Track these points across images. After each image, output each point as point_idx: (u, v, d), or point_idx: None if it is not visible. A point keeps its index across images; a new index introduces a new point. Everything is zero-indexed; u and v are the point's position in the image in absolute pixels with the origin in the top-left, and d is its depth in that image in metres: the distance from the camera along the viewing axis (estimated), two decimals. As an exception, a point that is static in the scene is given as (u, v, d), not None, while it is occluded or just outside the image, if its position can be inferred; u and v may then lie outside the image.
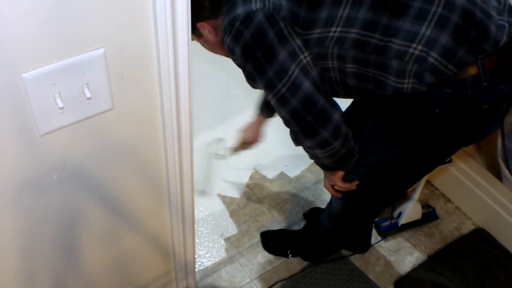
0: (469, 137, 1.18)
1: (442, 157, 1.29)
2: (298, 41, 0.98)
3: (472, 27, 1.00)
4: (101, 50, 0.83)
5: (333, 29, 0.98)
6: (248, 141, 1.72)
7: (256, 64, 1.02)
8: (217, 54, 1.28)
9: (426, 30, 0.98)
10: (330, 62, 1.03)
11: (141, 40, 0.87)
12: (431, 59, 0.99)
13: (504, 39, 1.03)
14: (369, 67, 1.02)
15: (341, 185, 1.36)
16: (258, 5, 0.96)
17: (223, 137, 2.27)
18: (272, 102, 1.06)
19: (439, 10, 0.98)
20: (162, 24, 0.85)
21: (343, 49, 1.00)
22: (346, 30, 0.98)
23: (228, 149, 2.04)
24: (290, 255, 1.81)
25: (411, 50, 0.98)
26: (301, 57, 0.99)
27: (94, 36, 0.80)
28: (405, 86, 1.02)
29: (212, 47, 1.23)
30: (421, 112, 1.10)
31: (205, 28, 1.12)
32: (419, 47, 0.98)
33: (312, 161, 2.13)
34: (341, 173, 1.33)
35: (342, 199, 1.49)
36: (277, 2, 0.96)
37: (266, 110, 1.58)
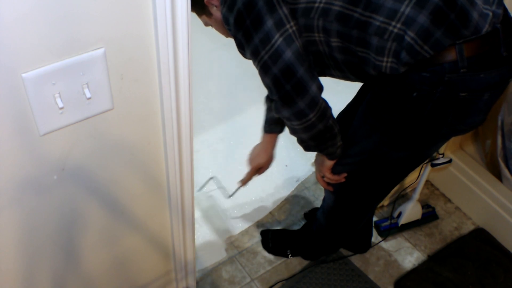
0: (450, 127, 1.17)
1: (424, 148, 1.28)
2: (285, 10, 1.00)
3: (452, 11, 1.00)
4: (101, 50, 0.83)
5: (318, 3, 1.01)
6: (261, 167, 1.63)
7: (245, 32, 1.04)
8: (227, 37, 1.29)
9: (405, 8, 0.99)
10: (316, 34, 1.05)
11: (141, 40, 0.87)
12: (408, 38, 1.00)
13: (486, 27, 1.03)
14: (351, 43, 1.04)
15: (330, 177, 1.38)
16: None
17: (223, 137, 2.26)
18: (258, 70, 1.10)
19: None
20: (162, 24, 0.85)
21: (327, 21, 1.02)
22: (331, 2, 1.00)
23: (223, 189, 2.01)
24: (290, 255, 1.81)
25: (390, 28, 1.00)
26: (287, 26, 1.02)
27: (94, 36, 0.81)
28: (384, 64, 1.03)
29: (221, 27, 1.24)
30: (400, 96, 1.12)
31: (213, 4, 1.15)
32: (398, 25, 0.99)
33: (312, 161, 2.15)
34: (329, 164, 1.36)
35: (333, 192, 1.50)
36: None
37: (276, 124, 1.49)
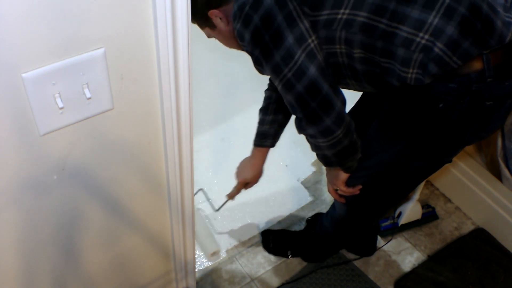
0: (472, 135, 1.17)
1: (445, 155, 1.27)
2: (306, 23, 0.96)
3: (478, 20, 0.99)
4: (101, 50, 0.83)
5: (342, 11, 0.96)
6: (248, 182, 1.60)
7: (264, 49, 1.00)
8: (232, 48, 1.25)
9: (433, 19, 0.96)
10: (337, 46, 1.02)
11: (141, 40, 0.87)
12: (436, 49, 0.98)
13: (509, 36, 1.03)
14: (375, 54, 1.00)
15: (344, 190, 1.34)
16: None
17: (223, 137, 2.26)
18: (279, 88, 1.05)
19: (447, 0, 0.98)
20: (162, 24, 0.85)
21: (350, 32, 0.98)
22: (355, 13, 0.96)
23: (211, 202, 1.99)
24: (290, 256, 1.81)
25: (418, 39, 0.97)
26: (309, 41, 0.98)
27: (94, 36, 0.81)
28: (409, 76, 1.00)
29: (226, 39, 1.19)
30: (424, 107, 1.09)
31: (217, 16, 1.11)
32: (426, 36, 0.97)
33: (312, 161, 2.14)
34: (344, 177, 1.32)
35: (345, 204, 1.47)
36: None
37: (267, 138, 1.44)
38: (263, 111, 1.44)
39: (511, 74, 1.07)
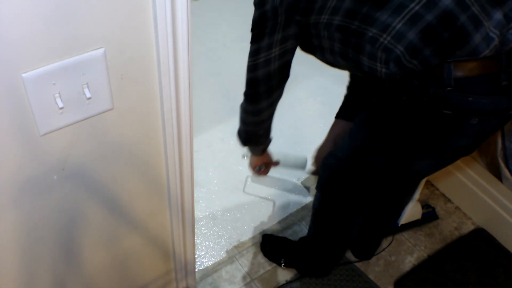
0: (432, 144, 1.16)
1: (404, 159, 1.25)
2: (279, 36, 1.20)
3: (447, 30, 1.00)
4: (101, 50, 0.83)
5: (323, 16, 1.12)
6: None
7: (252, 35, 1.25)
8: None
9: (397, 24, 1.03)
10: (323, 41, 1.19)
11: (141, 40, 0.87)
12: (397, 51, 1.04)
13: (486, 51, 1.01)
14: (349, 47, 1.14)
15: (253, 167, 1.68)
16: None
17: (223, 137, 2.27)
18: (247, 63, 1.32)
19: (417, 8, 1.01)
20: (162, 24, 0.85)
21: (330, 32, 1.14)
22: (332, 17, 1.11)
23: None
24: (283, 264, 1.80)
25: (381, 39, 1.05)
26: (273, 50, 1.23)
27: (94, 36, 0.81)
28: (378, 69, 1.10)
29: None
30: (392, 97, 1.14)
31: None
32: (388, 38, 1.04)
33: (312, 161, 2.14)
34: (254, 159, 1.68)
35: (318, 188, 1.50)
36: None
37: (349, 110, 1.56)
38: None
39: (476, 91, 1.04)
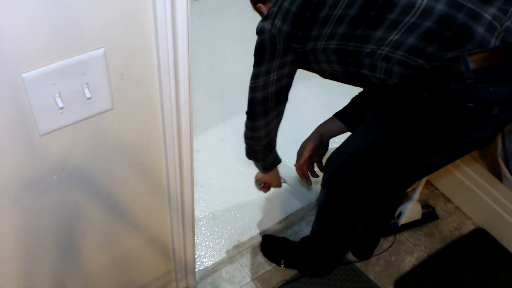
0: (455, 138, 1.17)
1: (424, 155, 1.25)
2: (277, 62, 1.30)
3: (450, 29, 1.05)
4: (101, 50, 0.83)
5: (320, 42, 1.20)
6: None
7: (255, 59, 1.34)
8: None
9: (394, 36, 1.10)
10: (323, 65, 1.27)
11: (141, 40, 0.87)
12: (397, 56, 1.10)
13: (493, 41, 1.04)
14: (348, 66, 1.21)
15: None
16: (268, 26, 1.25)
17: (223, 137, 2.27)
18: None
19: (413, 19, 1.07)
20: (162, 24, 0.85)
21: (327, 55, 1.22)
22: (328, 42, 1.19)
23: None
24: (283, 265, 1.80)
25: (379, 51, 1.12)
26: (271, 75, 1.33)
27: (94, 36, 0.81)
28: (379, 77, 1.17)
29: None
30: (412, 94, 1.15)
31: (262, 9, 1.42)
32: (386, 49, 1.11)
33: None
34: (258, 174, 1.75)
35: (324, 185, 1.50)
36: (280, 27, 1.22)
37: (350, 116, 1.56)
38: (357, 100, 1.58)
39: (496, 80, 1.07)
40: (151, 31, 0.87)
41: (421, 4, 1.07)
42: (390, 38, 1.09)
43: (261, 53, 1.30)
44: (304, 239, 1.84)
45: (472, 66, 1.05)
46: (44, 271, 1.12)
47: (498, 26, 1.05)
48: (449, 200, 2.10)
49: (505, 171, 1.82)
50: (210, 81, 2.54)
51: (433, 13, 1.06)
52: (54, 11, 0.73)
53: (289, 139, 2.23)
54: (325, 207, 1.56)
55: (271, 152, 1.62)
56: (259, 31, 1.28)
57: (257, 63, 1.33)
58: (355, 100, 1.54)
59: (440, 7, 1.06)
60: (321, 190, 1.54)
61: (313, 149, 1.57)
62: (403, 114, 1.20)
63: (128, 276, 1.37)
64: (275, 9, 1.24)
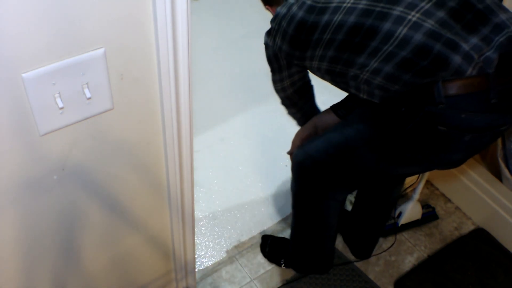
0: (425, 157, 1.22)
1: (394, 163, 1.30)
2: (286, 73, 1.44)
3: (425, 59, 1.09)
4: (101, 50, 0.83)
5: (314, 62, 1.29)
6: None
7: (269, 67, 1.49)
8: None
9: (373, 63, 1.15)
10: (320, 77, 1.37)
11: (141, 40, 0.87)
12: (376, 82, 1.16)
13: (469, 70, 1.06)
14: (338, 84, 1.32)
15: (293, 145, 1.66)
16: (271, 42, 1.36)
17: (223, 137, 2.27)
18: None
19: (390, 48, 1.11)
20: (162, 24, 0.86)
21: (321, 73, 1.32)
22: (320, 63, 1.27)
23: None
24: (283, 265, 1.80)
25: (361, 76, 1.18)
26: (284, 82, 1.48)
27: (94, 36, 0.81)
28: (363, 97, 1.25)
29: None
30: (393, 106, 1.19)
31: (270, 11, 1.50)
32: (367, 74, 1.17)
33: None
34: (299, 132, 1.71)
35: (292, 169, 1.53)
36: (280, 45, 1.32)
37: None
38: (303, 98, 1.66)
39: (469, 108, 1.08)
40: (151, 31, 0.87)
41: (400, 33, 1.10)
42: (370, 64, 1.15)
43: (270, 65, 1.45)
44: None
45: (445, 92, 1.07)
46: (44, 271, 1.12)
47: (476, 56, 1.07)
48: (449, 200, 2.10)
49: (505, 171, 1.82)
50: (210, 81, 2.54)
51: (411, 42, 1.09)
52: (54, 11, 0.73)
53: (290, 139, 2.23)
54: (296, 194, 1.58)
55: (312, 114, 1.67)
56: (265, 45, 1.41)
57: (271, 72, 1.49)
58: (351, 95, 1.56)
59: (418, 37, 1.08)
60: (292, 176, 1.56)
61: (306, 138, 1.59)
62: (383, 121, 1.25)
63: (128, 276, 1.37)
64: (276, 26, 1.31)
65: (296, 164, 1.50)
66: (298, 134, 1.62)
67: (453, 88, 1.07)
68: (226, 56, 2.69)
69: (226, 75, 2.58)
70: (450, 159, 1.24)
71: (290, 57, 1.35)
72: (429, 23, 1.08)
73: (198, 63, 2.57)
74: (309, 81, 1.54)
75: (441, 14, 1.09)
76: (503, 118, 1.12)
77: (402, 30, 1.10)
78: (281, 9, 1.31)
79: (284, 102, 1.61)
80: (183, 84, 0.97)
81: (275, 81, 1.52)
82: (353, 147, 1.33)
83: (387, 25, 1.11)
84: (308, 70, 1.44)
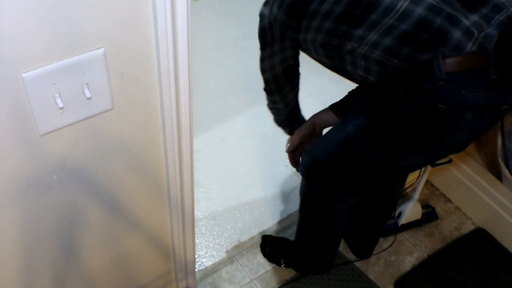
0: (426, 140, 1.19)
1: (396, 153, 1.28)
2: (278, 46, 1.40)
3: (426, 32, 1.08)
4: (101, 50, 0.83)
5: (309, 34, 1.26)
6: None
7: (259, 43, 1.45)
8: None
9: (373, 36, 1.13)
10: (312, 55, 1.35)
11: (141, 40, 0.87)
12: (374, 55, 1.14)
13: (469, 45, 1.06)
14: (333, 59, 1.27)
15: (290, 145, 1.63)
16: (267, 11, 1.35)
17: (223, 137, 2.27)
18: None
19: (391, 21, 1.10)
20: (162, 24, 0.85)
21: (315, 47, 1.28)
22: (316, 35, 1.25)
23: None
24: (283, 265, 1.80)
25: (359, 49, 1.16)
26: (274, 58, 1.44)
27: (94, 36, 0.81)
28: (359, 74, 1.23)
29: None
30: (390, 90, 1.18)
31: None
32: (365, 48, 1.15)
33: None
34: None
35: (302, 174, 1.52)
36: (276, 14, 1.31)
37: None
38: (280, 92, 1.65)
39: (469, 85, 1.07)
40: (151, 31, 0.87)
41: (401, 6, 1.09)
42: (369, 37, 1.13)
43: (263, 38, 1.40)
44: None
45: (445, 68, 1.07)
46: (44, 271, 1.12)
47: (476, 32, 1.06)
48: (449, 200, 2.10)
49: (505, 171, 1.82)
50: (210, 81, 2.54)
51: (412, 16, 1.08)
52: (54, 11, 0.73)
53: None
54: (306, 196, 1.57)
55: (296, 119, 1.66)
56: (260, 16, 1.37)
57: (261, 47, 1.44)
58: (350, 94, 1.56)
59: (419, 10, 1.08)
60: (302, 180, 1.56)
61: (304, 136, 1.58)
62: (380, 110, 1.23)
63: (128, 276, 1.37)
64: None
65: (305, 168, 1.49)
66: (295, 133, 1.62)
67: (453, 64, 1.07)
68: (226, 56, 2.69)
69: (226, 75, 2.58)
70: (452, 141, 1.22)
71: (285, 27, 1.32)
72: None
73: (198, 63, 2.57)
74: (298, 64, 1.51)
75: None
76: (504, 97, 1.11)
77: (403, 4, 1.09)
78: None
79: (268, 87, 1.56)
80: (183, 84, 0.97)
81: (263, 58, 1.47)
82: (354, 143, 1.32)
83: None
84: (300, 51, 1.42)
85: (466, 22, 1.06)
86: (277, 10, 1.30)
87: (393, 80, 1.15)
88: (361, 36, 1.15)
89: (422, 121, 1.15)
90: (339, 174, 1.42)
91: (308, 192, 1.55)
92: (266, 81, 1.54)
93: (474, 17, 1.07)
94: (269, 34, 1.37)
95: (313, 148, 1.46)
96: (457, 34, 1.06)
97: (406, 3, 1.09)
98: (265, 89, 1.58)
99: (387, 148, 1.27)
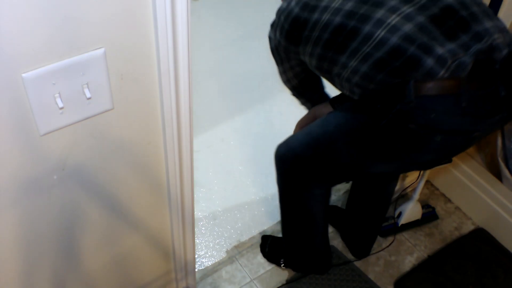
0: (397, 154, 1.25)
1: (369, 159, 1.32)
2: (287, 65, 1.52)
3: (398, 60, 1.13)
4: (101, 50, 0.83)
5: (306, 57, 1.36)
6: None
7: (275, 60, 1.58)
8: None
9: (353, 63, 1.20)
10: (316, 72, 1.43)
11: (141, 40, 0.87)
12: (354, 80, 1.22)
13: (442, 72, 1.09)
14: (327, 79, 1.36)
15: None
16: (272, 35, 1.45)
17: (223, 137, 2.27)
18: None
19: (368, 49, 1.16)
20: (162, 24, 0.86)
21: (313, 68, 1.38)
22: (311, 59, 1.34)
23: None
24: (283, 265, 1.80)
25: (343, 74, 1.24)
26: (287, 74, 1.57)
27: (94, 36, 0.81)
28: (346, 93, 1.31)
29: None
30: (371, 103, 1.23)
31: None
32: (348, 73, 1.23)
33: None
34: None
35: (275, 162, 1.55)
36: (279, 39, 1.40)
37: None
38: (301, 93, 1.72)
39: (440, 109, 1.11)
40: (151, 31, 0.87)
41: (378, 35, 1.14)
42: (350, 64, 1.21)
43: (274, 57, 1.53)
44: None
45: (416, 92, 1.11)
46: (44, 271, 1.12)
47: (450, 60, 1.09)
48: (449, 200, 2.10)
49: (505, 171, 1.82)
50: (210, 81, 2.54)
51: (387, 44, 1.13)
52: (54, 11, 0.73)
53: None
54: (280, 186, 1.60)
55: (320, 100, 1.71)
56: (269, 38, 1.48)
57: (276, 63, 1.57)
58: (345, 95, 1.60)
59: (394, 39, 1.12)
60: (276, 170, 1.57)
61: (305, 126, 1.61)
62: (360, 116, 1.29)
63: (128, 276, 1.37)
64: (277, 20, 1.39)
65: (278, 157, 1.53)
66: (298, 124, 1.68)
67: (424, 88, 1.11)
68: (226, 56, 2.69)
69: (226, 75, 2.58)
70: (421, 159, 1.28)
71: (288, 51, 1.42)
72: (407, 27, 1.12)
73: (198, 63, 2.57)
74: (312, 75, 1.57)
75: (421, 18, 1.13)
76: (474, 124, 1.15)
77: (380, 33, 1.14)
78: (283, 3, 1.36)
79: (293, 93, 1.67)
80: (183, 84, 0.97)
81: (280, 73, 1.60)
82: (331, 141, 1.37)
83: (367, 27, 1.16)
84: None
85: (440, 50, 1.10)
86: (279, 35, 1.39)
87: (373, 95, 1.22)
88: (344, 63, 1.22)
89: (393, 136, 1.21)
90: (312, 167, 1.46)
91: (281, 182, 1.58)
92: (289, 89, 1.66)
93: (451, 45, 1.11)
94: (277, 55, 1.49)
95: (291, 138, 1.50)
96: (429, 62, 1.10)
97: (383, 32, 1.14)
98: (292, 94, 1.69)
99: (360, 153, 1.32)
